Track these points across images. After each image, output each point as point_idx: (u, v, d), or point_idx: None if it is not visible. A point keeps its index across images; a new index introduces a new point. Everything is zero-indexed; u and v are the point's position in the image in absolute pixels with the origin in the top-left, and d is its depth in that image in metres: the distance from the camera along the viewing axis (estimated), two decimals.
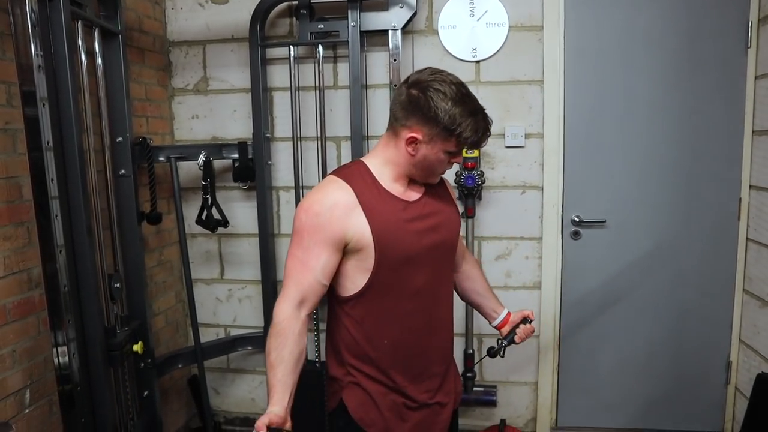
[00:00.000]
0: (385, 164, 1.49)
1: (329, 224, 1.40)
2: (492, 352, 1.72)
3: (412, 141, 1.42)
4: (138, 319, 2.36)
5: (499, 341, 1.72)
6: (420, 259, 1.48)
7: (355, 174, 1.48)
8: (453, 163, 1.50)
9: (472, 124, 1.39)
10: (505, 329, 1.74)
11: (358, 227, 1.42)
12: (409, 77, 1.46)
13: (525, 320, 1.73)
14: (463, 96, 1.40)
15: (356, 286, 1.46)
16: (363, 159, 1.55)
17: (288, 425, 1.34)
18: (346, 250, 1.44)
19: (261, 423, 1.29)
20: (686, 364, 2.75)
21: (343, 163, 2.08)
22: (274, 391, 1.36)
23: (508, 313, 1.75)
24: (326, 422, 1.76)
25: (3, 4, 1.75)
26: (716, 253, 2.66)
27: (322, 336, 2.82)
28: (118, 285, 2.15)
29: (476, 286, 1.79)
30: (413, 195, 1.52)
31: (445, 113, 1.37)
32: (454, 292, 1.71)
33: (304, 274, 1.42)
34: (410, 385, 1.53)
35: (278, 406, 1.34)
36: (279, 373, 1.36)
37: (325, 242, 1.41)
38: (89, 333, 1.96)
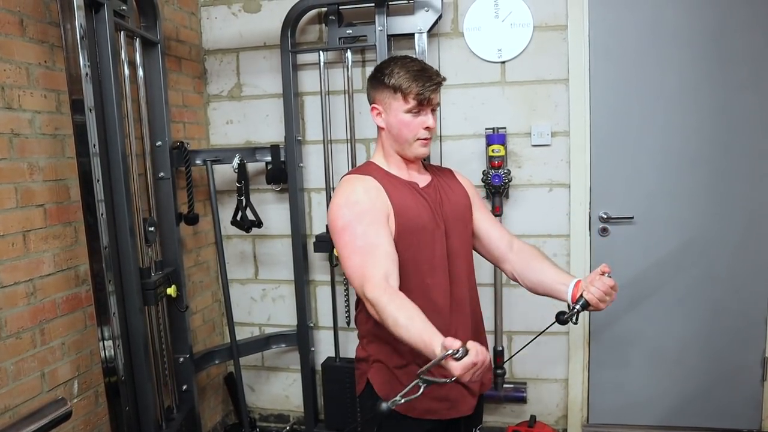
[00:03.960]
0: (383, 154, 1.65)
1: (372, 204, 1.51)
2: (562, 318, 1.53)
3: (376, 113, 1.61)
4: (178, 312, 2.47)
5: (571, 307, 1.49)
6: (434, 233, 1.56)
7: (369, 168, 1.63)
8: (422, 123, 1.56)
9: (411, 76, 1.52)
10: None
11: (387, 202, 1.54)
12: None
13: (601, 277, 1.49)
14: (404, 59, 1.58)
15: None
16: (369, 159, 1.71)
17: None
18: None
19: (449, 342, 1.17)
20: (720, 361, 2.72)
21: None
22: (424, 334, 1.24)
23: (578, 281, 1.53)
24: (357, 406, 1.79)
25: (54, 17, 1.88)
26: (749, 248, 2.63)
27: (341, 333, 2.89)
28: (152, 228, 2.26)
29: (539, 265, 1.64)
30: (422, 181, 1.65)
31: (388, 75, 1.55)
32: (517, 282, 1.70)
33: (374, 253, 1.42)
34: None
35: (439, 339, 1.22)
36: (419, 322, 1.28)
37: (376, 219, 1.49)
38: (132, 330, 2.07)
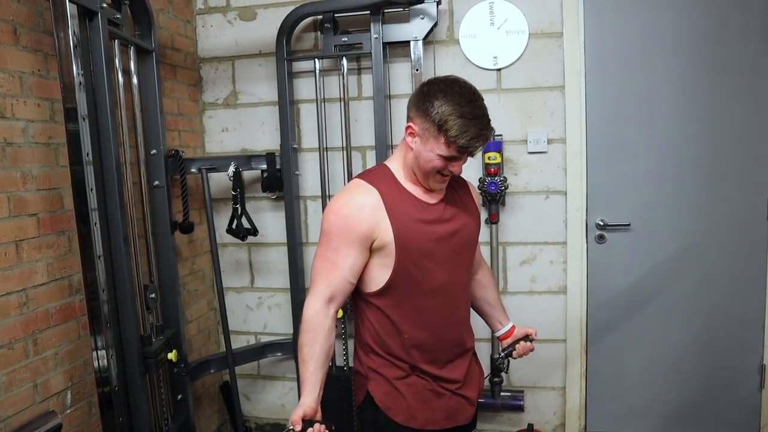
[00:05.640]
0: (401, 163, 1.57)
1: (357, 225, 1.48)
2: (497, 366, 1.83)
3: (410, 132, 1.49)
4: (173, 327, 2.44)
5: (499, 354, 1.79)
6: (438, 260, 1.55)
7: (379, 176, 1.56)
8: (449, 170, 1.49)
9: (461, 125, 1.39)
10: (507, 342, 1.83)
11: (383, 227, 1.49)
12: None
13: (527, 337, 1.79)
14: (463, 98, 1.42)
15: (378, 283, 1.53)
16: (386, 162, 1.63)
17: (319, 416, 1.43)
18: (371, 248, 1.51)
19: (296, 417, 1.39)
20: (718, 368, 2.71)
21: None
22: (306, 383, 1.46)
23: (513, 327, 1.83)
24: (355, 417, 1.81)
25: (47, 26, 1.87)
26: (745, 255, 2.63)
27: (350, 342, 2.87)
28: (153, 295, 2.25)
29: (487, 296, 1.84)
30: (434, 197, 1.58)
31: (438, 108, 1.41)
32: None
33: (333, 273, 1.50)
34: (430, 367, 1.58)
35: (310, 398, 1.44)
36: (311, 366, 1.46)
37: (353, 243, 1.48)
38: (126, 338, 2.05)
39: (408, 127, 1.49)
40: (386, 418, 1.56)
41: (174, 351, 2.34)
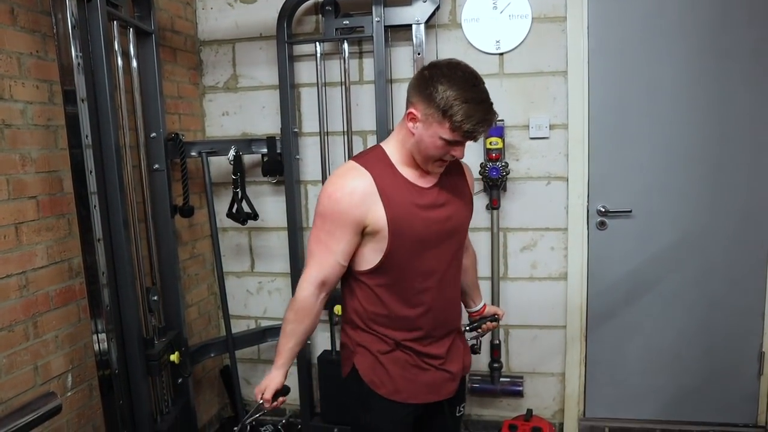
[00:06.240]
0: (397, 146, 1.55)
1: (350, 210, 1.48)
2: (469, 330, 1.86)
3: (411, 118, 1.47)
4: (172, 303, 2.47)
5: (465, 326, 1.83)
6: (431, 244, 1.56)
7: (374, 159, 1.55)
8: (451, 154, 1.49)
9: (466, 110, 1.38)
10: (475, 318, 1.90)
11: (376, 212, 1.49)
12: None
13: (494, 317, 1.87)
14: (466, 83, 1.41)
15: (369, 263, 1.56)
16: (381, 144, 1.61)
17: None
18: (364, 233, 1.52)
19: (269, 395, 1.56)
20: (717, 355, 2.72)
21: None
22: (282, 357, 1.58)
23: (485, 305, 1.93)
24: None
25: (45, 6, 1.85)
26: (747, 242, 2.62)
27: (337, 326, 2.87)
28: (156, 298, 2.27)
29: (467, 280, 1.86)
30: (428, 181, 1.57)
31: (442, 93, 1.39)
32: None
33: (326, 256, 1.53)
34: (415, 344, 1.61)
35: (281, 373, 1.58)
36: (291, 343, 1.58)
37: (346, 227, 1.50)
38: (126, 321, 2.05)
39: (410, 113, 1.47)
40: (370, 391, 1.61)
41: (176, 353, 2.35)
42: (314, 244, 1.55)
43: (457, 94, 1.38)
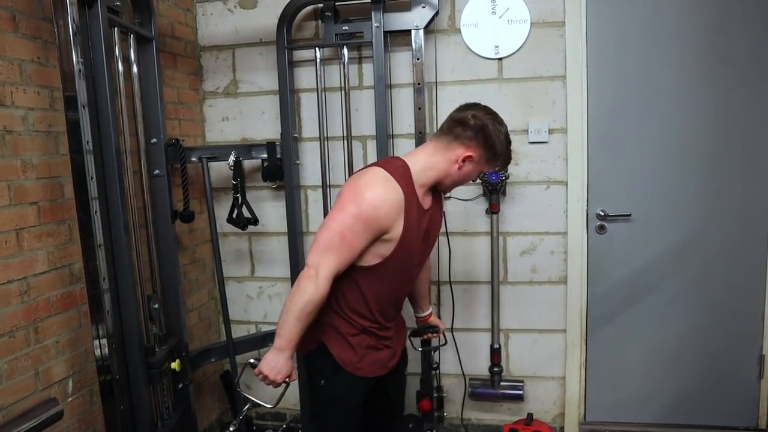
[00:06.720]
0: (424, 169, 1.74)
1: (384, 219, 1.65)
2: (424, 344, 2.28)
3: (467, 158, 1.72)
4: (173, 308, 2.46)
5: (410, 333, 2.13)
6: (416, 258, 1.83)
7: (403, 176, 1.71)
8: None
9: (505, 149, 1.77)
10: (421, 324, 2.21)
11: (398, 226, 1.67)
12: (469, 105, 1.77)
13: (435, 328, 2.19)
14: (507, 135, 1.78)
15: (365, 262, 1.72)
16: (407, 160, 1.76)
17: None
18: (378, 239, 1.67)
19: (281, 377, 1.70)
20: (717, 358, 2.72)
21: (388, 156, 2.33)
22: (294, 340, 1.67)
23: (431, 313, 2.21)
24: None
25: (47, 13, 1.86)
26: (746, 245, 2.63)
27: None
28: (156, 306, 2.27)
29: (421, 288, 2.14)
30: (427, 202, 1.79)
31: (499, 144, 1.73)
32: None
33: (347, 253, 1.66)
34: (376, 329, 1.84)
35: (288, 353, 1.67)
36: (300, 326, 1.66)
37: (373, 231, 1.66)
38: (127, 327, 2.05)
39: (468, 156, 1.71)
40: (336, 365, 1.80)
41: (177, 360, 2.35)
42: (338, 238, 1.63)
43: (506, 142, 1.76)
